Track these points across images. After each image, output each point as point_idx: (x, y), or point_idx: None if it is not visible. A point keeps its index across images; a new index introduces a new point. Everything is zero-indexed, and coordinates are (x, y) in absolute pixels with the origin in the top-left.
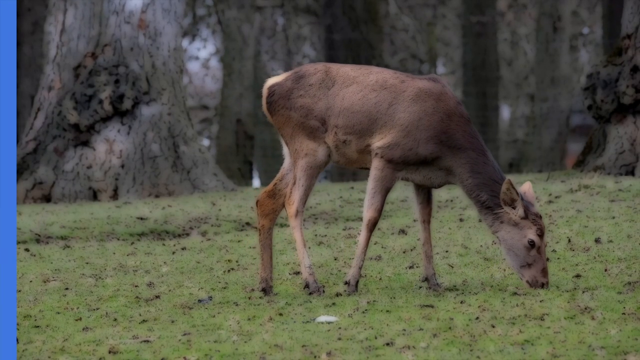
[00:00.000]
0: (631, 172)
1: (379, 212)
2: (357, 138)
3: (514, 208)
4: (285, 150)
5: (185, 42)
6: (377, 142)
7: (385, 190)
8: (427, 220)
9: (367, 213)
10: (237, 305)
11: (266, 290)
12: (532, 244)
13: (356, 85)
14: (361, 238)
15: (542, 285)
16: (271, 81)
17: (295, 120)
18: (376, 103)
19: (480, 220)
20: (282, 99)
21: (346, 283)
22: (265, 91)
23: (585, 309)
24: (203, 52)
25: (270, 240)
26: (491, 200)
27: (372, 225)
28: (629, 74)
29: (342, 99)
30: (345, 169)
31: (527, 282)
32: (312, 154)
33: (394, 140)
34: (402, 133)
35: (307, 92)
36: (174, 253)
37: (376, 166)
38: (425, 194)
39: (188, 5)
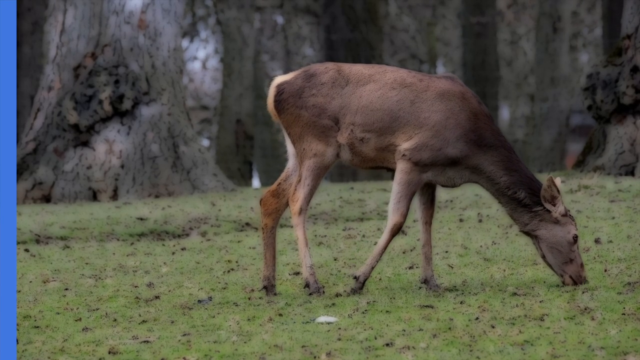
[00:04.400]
0: (631, 173)
1: (405, 217)
2: (377, 136)
3: (554, 205)
4: (290, 151)
5: (185, 43)
6: (404, 144)
7: (411, 194)
8: (428, 222)
9: (393, 217)
10: (236, 305)
11: (268, 289)
12: (575, 239)
13: (373, 83)
14: (382, 240)
15: (583, 280)
16: (279, 79)
17: (305, 119)
18: (398, 101)
19: (480, 221)
20: (292, 98)
21: (355, 278)
22: (273, 89)
23: (585, 309)
24: (203, 52)
25: (274, 240)
26: (529, 198)
27: (397, 230)
28: (629, 74)
29: (359, 97)
30: (345, 169)
31: (570, 277)
32: (320, 155)
33: (421, 141)
34: (429, 133)
35: (320, 91)
36: (173, 253)
37: (403, 169)
38: (429, 195)
39: (188, 5)
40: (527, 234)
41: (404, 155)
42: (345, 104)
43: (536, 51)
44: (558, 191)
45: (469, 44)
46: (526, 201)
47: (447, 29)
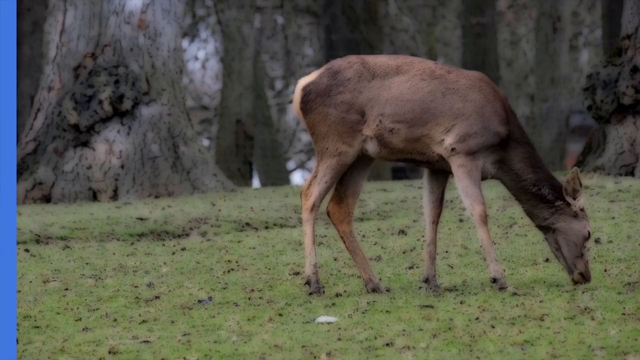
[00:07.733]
0: (631, 173)
1: (483, 203)
2: (408, 127)
3: (574, 198)
4: None
5: (185, 43)
6: (447, 138)
7: (477, 181)
8: (435, 221)
9: (475, 210)
10: (236, 305)
11: (376, 289)
12: (589, 235)
13: (402, 75)
14: (482, 235)
15: (589, 277)
16: (304, 81)
17: (333, 117)
18: (429, 92)
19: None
20: (320, 98)
21: (494, 280)
22: (299, 92)
23: (585, 309)
24: (203, 52)
25: (357, 243)
26: (552, 194)
27: (485, 218)
28: (629, 74)
29: (388, 89)
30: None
31: (580, 273)
32: (344, 154)
33: (462, 131)
34: (468, 122)
35: (346, 87)
36: (173, 253)
37: (458, 164)
38: (438, 194)
39: (188, 5)
40: (544, 227)
41: (453, 149)
42: (373, 96)
43: (536, 51)
44: (580, 184)
45: (469, 45)
46: (549, 197)
47: (447, 30)
